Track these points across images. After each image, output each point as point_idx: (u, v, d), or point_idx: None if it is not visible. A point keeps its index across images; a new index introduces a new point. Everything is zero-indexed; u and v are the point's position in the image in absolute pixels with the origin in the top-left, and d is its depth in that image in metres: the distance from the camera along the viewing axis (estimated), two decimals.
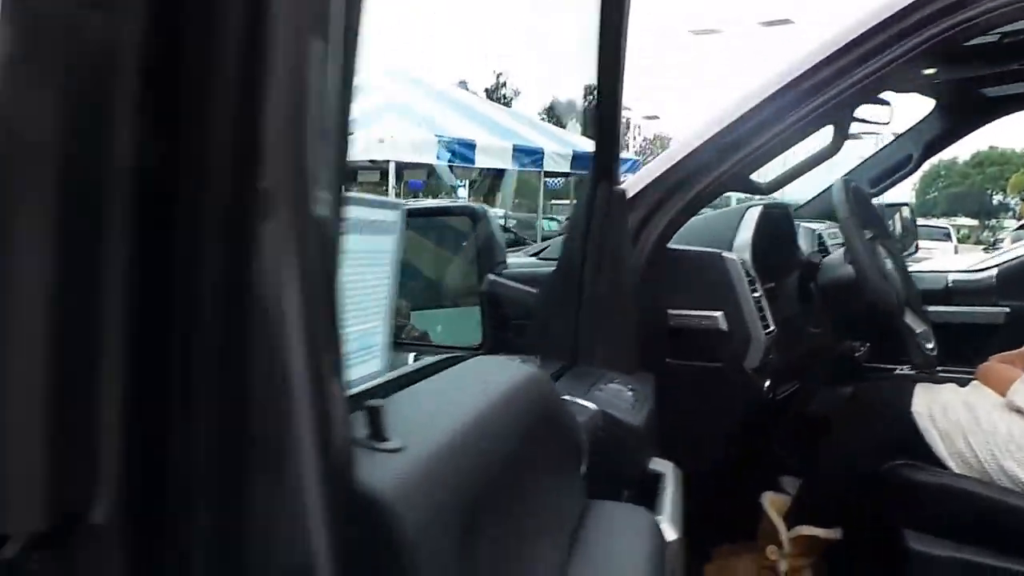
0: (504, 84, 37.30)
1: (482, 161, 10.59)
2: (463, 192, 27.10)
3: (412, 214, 1.26)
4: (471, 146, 10.27)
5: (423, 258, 1.30)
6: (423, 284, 1.31)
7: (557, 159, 11.68)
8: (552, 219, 18.17)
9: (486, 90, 25.64)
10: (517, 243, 12.89)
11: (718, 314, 1.33)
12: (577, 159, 12.09)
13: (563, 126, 20.82)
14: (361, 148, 9.70)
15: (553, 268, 1.38)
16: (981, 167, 43.16)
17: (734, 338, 1.33)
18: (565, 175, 14.40)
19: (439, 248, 1.31)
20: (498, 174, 15.36)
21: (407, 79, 11.77)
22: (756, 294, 1.39)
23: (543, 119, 19.80)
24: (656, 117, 29.45)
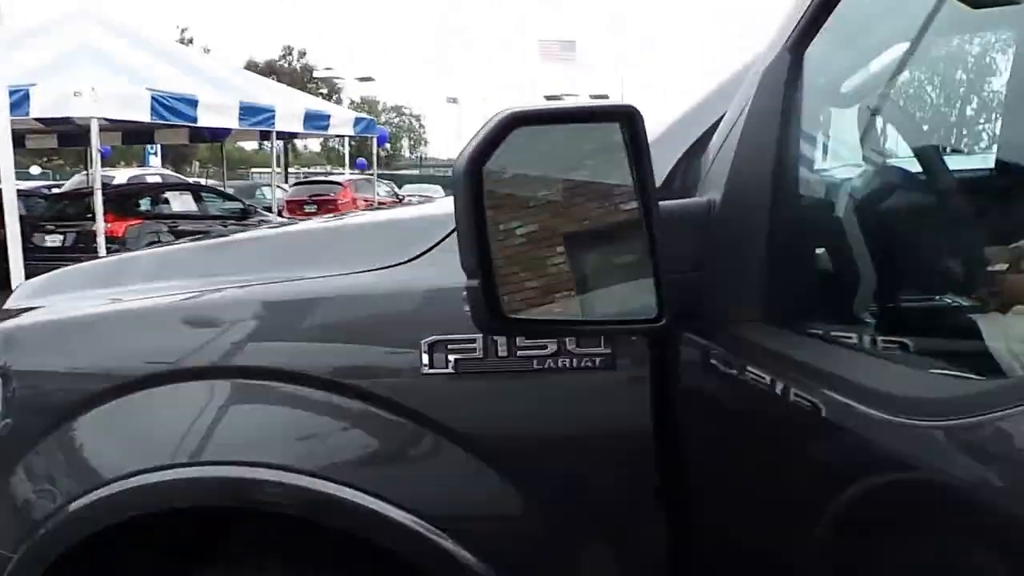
0: (191, 40, 33.86)
1: (205, 120, 9.36)
2: (155, 160, 24.21)
3: (543, 119, 0.94)
4: (192, 103, 9.01)
5: (557, 185, 0.92)
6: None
7: (289, 118, 10.76)
8: (280, 187, 16.94)
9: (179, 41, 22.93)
10: (246, 214, 11.74)
11: None
12: (311, 118, 11.27)
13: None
14: (47, 103, 8.01)
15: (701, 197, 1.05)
16: None
17: None
18: (293, 136, 13.41)
19: (580, 168, 0.93)
20: (209, 138, 13.81)
21: (104, 22, 9.94)
22: None
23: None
24: (371, 79, 28.55)
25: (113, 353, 1.27)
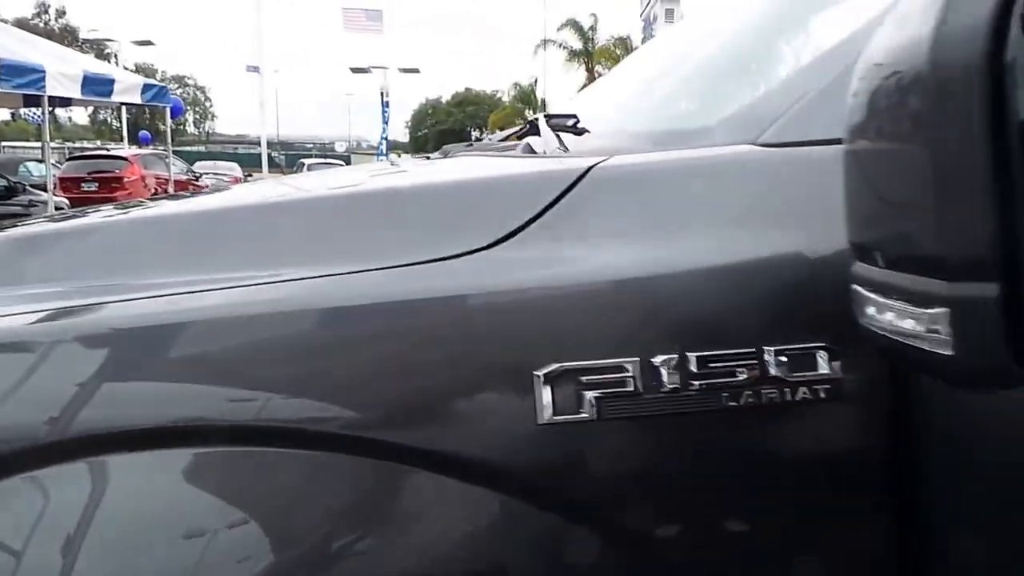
0: None
1: None
2: None
3: None
4: None
5: None
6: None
7: (63, 81, 9.21)
8: (39, 161, 14.72)
9: None
10: (12, 192, 10.01)
11: None
12: (91, 82, 9.73)
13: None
14: None
15: None
16: (461, 106, 49.44)
17: None
18: (66, 103, 11.58)
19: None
20: None
21: None
22: None
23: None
24: (150, 43, 25.27)
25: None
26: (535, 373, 0.68)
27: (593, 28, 29.89)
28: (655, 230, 0.75)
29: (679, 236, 0.74)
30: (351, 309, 0.71)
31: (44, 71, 8.77)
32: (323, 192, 1.05)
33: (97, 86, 9.91)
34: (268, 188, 1.23)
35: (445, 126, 45.04)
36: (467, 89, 47.69)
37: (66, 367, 0.69)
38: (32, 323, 0.72)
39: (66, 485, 0.66)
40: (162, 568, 0.65)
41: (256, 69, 20.39)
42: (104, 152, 16.99)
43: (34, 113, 16.39)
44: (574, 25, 29.62)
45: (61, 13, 33.46)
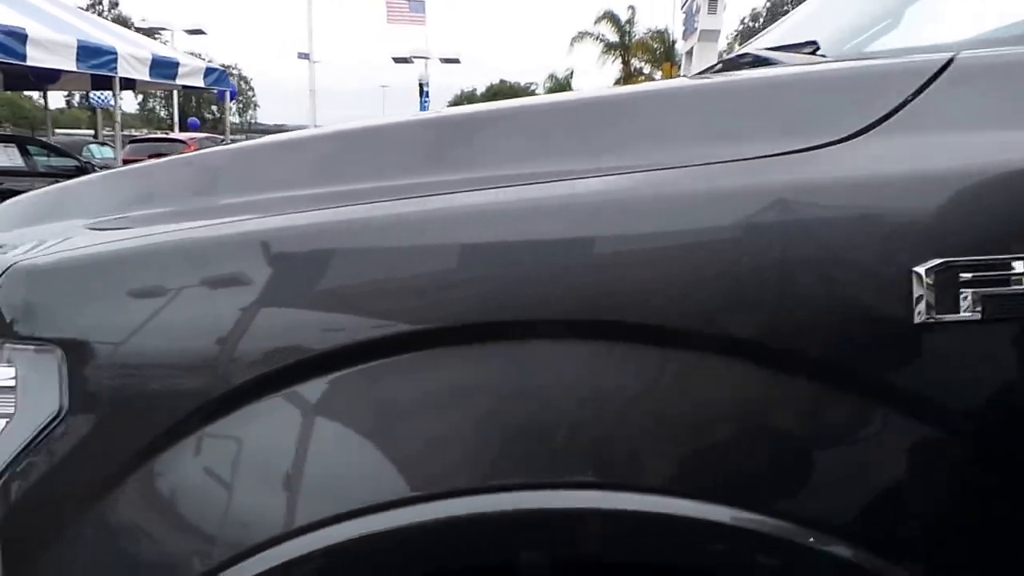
0: None
1: (36, 58, 8.21)
2: None
3: None
4: (20, 37, 7.87)
5: None
6: None
7: (133, 63, 9.71)
8: (105, 144, 15.35)
9: None
10: (82, 172, 10.56)
11: None
12: (158, 65, 10.23)
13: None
14: None
15: None
16: (496, 98, 49.61)
17: None
18: (130, 85, 12.13)
19: None
20: (33, 81, 12.18)
21: None
22: None
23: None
24: (201, 32, 26.04)
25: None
26: (914, 269, 0.62)
27: (630, 21, 29.91)
28: None
29: None
30: (706, 199, 0.67)
31: (116, 53, 9.25)
32: (676, 85, 0.98)
33: (163, 69, 10.40)
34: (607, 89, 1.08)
35: None
36: (502, 81, 47.98)
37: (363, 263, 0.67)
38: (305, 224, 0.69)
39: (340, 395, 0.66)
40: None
41: (307, 56, 20.89)
42: (163, 136, 17.64)
43: (99, 96, 17.06)
44: (611, 18, 29.66)
45: (114, 4, 34.55)
